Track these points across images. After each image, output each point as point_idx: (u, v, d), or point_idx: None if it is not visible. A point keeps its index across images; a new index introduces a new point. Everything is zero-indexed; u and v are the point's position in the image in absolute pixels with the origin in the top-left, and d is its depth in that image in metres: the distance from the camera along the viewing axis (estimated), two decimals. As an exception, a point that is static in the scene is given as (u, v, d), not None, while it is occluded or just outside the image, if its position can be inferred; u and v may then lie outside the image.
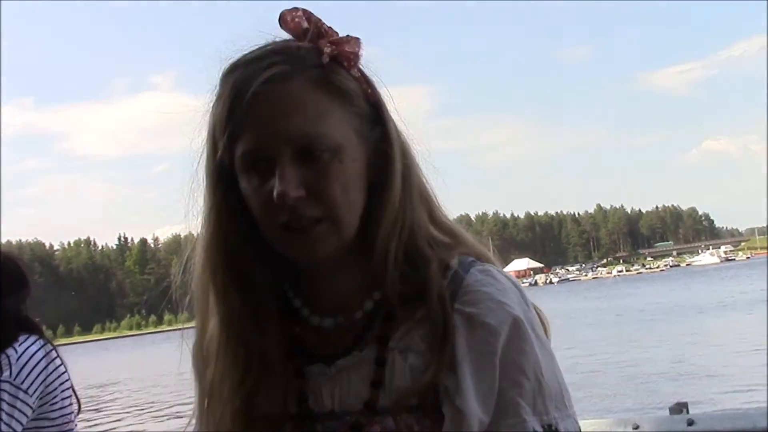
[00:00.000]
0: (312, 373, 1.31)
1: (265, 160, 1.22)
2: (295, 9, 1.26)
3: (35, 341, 3.22)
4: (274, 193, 1.18)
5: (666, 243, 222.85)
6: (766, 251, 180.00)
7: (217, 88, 1.25)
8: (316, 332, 1.33)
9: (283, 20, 1.26)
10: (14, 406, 3.06)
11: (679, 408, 3.37)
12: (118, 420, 24.02)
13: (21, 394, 3.06)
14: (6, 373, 3.05)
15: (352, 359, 1.29)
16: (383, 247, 1.26)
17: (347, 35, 1.28)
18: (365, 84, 1.29)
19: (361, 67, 1.29)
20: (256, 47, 1.25)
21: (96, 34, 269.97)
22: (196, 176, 1.30)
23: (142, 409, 25.75)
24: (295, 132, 1.20)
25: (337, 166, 1.22)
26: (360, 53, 1.28)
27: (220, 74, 1.25)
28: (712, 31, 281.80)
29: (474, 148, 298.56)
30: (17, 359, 3.10)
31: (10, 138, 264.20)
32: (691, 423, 2.98)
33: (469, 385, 1.21)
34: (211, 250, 1.29)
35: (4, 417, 3.04)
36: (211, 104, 1.26)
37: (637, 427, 3.05)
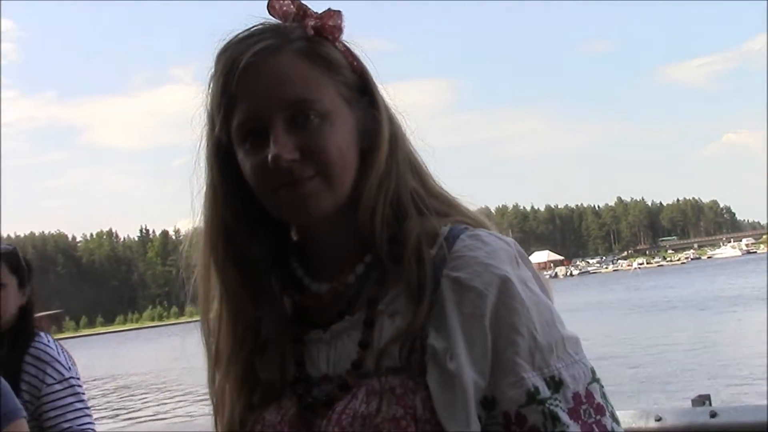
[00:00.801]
0: (310, 339, 1.36)
1: (258, 130, 1.26)
2: None
3: (47, 335, 3.28)
4: (269, 157, 1.23)
5: (669, 238, 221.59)
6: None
7: (212, 68, 1.31)
8: (315, 299, 1.37)
9: (272, 8, 1.33)
10: (85, 401, 3.20)
11: (702, 400, 3.50)
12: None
13: (83, 388, 3.21)
14: (72, 370, 3.18)
15: (345, 323, 1.32)
16: (370, 208, 1.30)
17: (329, 8, 1.33)
18: (350, 56, 1.34)
19: (345, 41, 1.35)
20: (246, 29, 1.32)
21: (117, 28, 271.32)
22: (198, 160, 1.36)
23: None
24: (287, 99, 1.25)
25: (329, 128, 1.27)
26: (342, 26, 1.33)
27: (214, 55, 1.31)
28: (733, 25, 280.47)
29: (495, 140, 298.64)
30: (60, 353, 3.21)
31: (33, 131, 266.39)
32: (713, 415, 3.01)
33: (462, 350, 1.21)
34: (210, 227, 1.35)
35: (87, 413, 3.15)
36: (208, 85, 1.32)
37: (659, 419, 3.13)
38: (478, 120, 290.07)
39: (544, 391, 1.20)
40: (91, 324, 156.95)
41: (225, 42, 1.32)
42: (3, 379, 2.71)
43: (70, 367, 3.18)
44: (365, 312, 1.31)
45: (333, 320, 1.34)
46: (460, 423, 1.19)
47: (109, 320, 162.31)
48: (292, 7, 1.33)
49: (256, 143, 1.27)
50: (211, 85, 1.31)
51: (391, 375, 1.23)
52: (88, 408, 3.22)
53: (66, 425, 3.06)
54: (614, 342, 27.38)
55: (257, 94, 1.26)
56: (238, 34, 1.32)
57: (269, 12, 1.33)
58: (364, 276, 1.34)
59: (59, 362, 3.15)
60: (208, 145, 1.34)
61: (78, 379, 3.20)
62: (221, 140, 1.31)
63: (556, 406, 1.20)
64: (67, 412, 3.08)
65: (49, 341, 3.21)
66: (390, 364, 1.24)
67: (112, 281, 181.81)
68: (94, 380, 31.54)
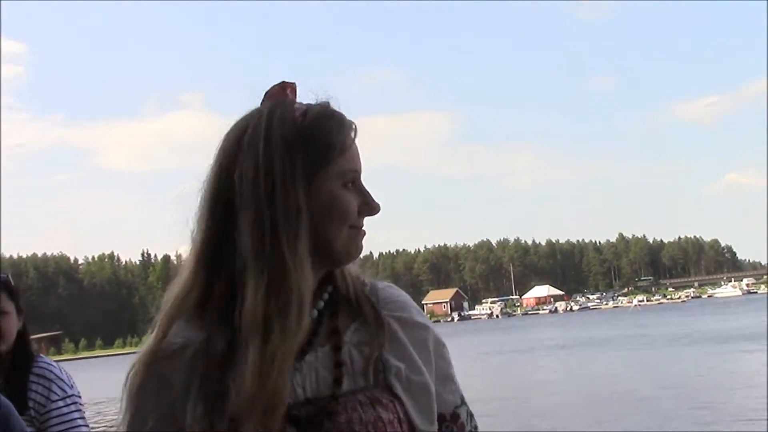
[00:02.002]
0: None
1: (353, 181, 1.52)
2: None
3: (45, 357, 3.44)
4: (374, 205, 1.53)
5: (647, 278, 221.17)
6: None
7: (311, 119, 1.50)
8: None
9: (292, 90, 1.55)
10: (86, 418, 3.37)
11: None
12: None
13: (84, 406, 3.38)
14: (74, 389, 3.33)
15: (318, 354, 1.50)
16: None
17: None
18: None
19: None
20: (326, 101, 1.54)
21: (126, 52, 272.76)
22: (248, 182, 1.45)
23: None
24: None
25: None
26: None
27: (312, 110, 1.51)
28: (738, 65, 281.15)
29: (497, 173, 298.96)
30: (62, 372, 3.35)
31: (39, 153, 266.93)
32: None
33: (423, 367, 1.54)
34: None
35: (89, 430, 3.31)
36: (300, 128, 1.48)
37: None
38: (482, 152, 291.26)
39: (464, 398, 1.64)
40: (90, 346, 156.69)
41: (324, 106, 1.52)
42: (9, 402, 2.74)
43: (72, 385, 3.33)
44: (332, 340, 1.51)
45: (304, 350, 1.48)
46: (431, 424, 1.53)
47: (109, 343, 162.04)
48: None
49: (351, 187, 1.50)
50: (318, 127, 1.49)
51: (368, 391, 1.48)
52: (88, 426, 3.39)
53: None
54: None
55: (358, 154, 1.53)
56: (326, 106, 1.53)
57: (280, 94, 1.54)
58: (323, 311, 1.55)
59: (62, 380, 3.30)
60: (295, 174, 1.44)
61: (80, 396, 3.37)
62: (311, 174, 1.46)
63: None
64: (72, 428, 3.25)
65: (50, 362, 3.37)
66: (363, 384, 1.49)
67: (113, 304, 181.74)
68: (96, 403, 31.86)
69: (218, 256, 1.46)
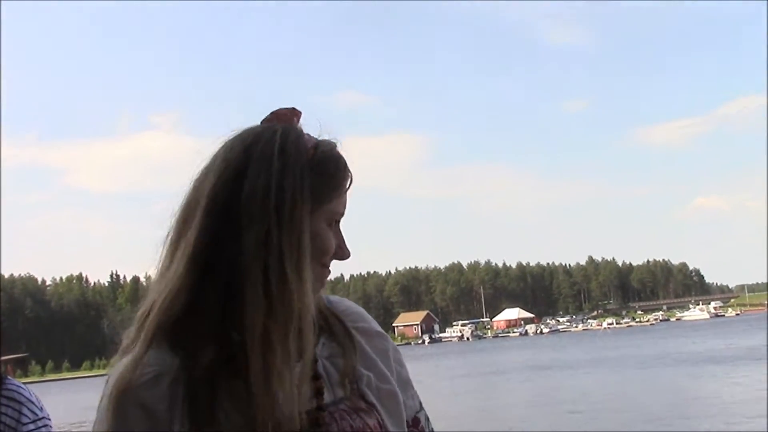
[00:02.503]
0: None
1: (336, 221, 1.55)
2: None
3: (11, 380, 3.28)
4: (346, 249, 1.57)
5: (607, 302, 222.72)
6: (755, 309, 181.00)
7: (322, 155, 1.53)
8: None
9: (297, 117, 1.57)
10: None
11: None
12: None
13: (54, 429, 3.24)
14: (44, 411, 3.14)
15: (296, 369, 1.48)
16: None
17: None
18: None
19: None
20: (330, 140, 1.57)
21: (99, 72, 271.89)
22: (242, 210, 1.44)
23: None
24: None
25: None
26: None
27: (328, 150, 1.54)
28: (709, 88, 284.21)
29: (467, 195, 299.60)
30: (31, 395, 3.19)
31: (10, 171, 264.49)
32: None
33: (389, 375, 1.61)
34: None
35: None
36: (304, 161, 1.49)
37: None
38: (453, 174, 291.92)
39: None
40: (57, 369, 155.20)
41: (330, 144, 1.55)
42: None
43: (42, 408, 3.16)
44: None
45: None
46: (402, 429, 1.59)
47: (76, 365, 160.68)
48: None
49: (332, 228, 1.54)
50: (327, 164, 1.52)
51: (348, 400, 1.54)
52: None
53: None
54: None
55: (346, 200, 1.57)
56: (332, 145, 1.56)
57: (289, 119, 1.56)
58: None
59: (33, 403, 3.13)
60: (304, 200, 1.46)
61: (50, 419, 3.21)
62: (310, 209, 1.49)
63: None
64: None
65: (19, 384, 3.19)
66: (341, 395, 1.54)
67: (81, 326, 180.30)
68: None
69: (213, 263, 1.43)
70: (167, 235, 1.50)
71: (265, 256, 1.41)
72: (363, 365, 1.59)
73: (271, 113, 1.56)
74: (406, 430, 1.61)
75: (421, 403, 1.70)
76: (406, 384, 1.66)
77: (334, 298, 1.67)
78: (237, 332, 1.41)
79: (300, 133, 1.52)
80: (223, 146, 1.50)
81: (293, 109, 1.56)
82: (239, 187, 1.44)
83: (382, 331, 1.68)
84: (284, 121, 1.54)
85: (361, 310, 1.68)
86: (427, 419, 1.71)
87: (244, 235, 1.41)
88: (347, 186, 1.55)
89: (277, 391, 1.39)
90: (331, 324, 1.61)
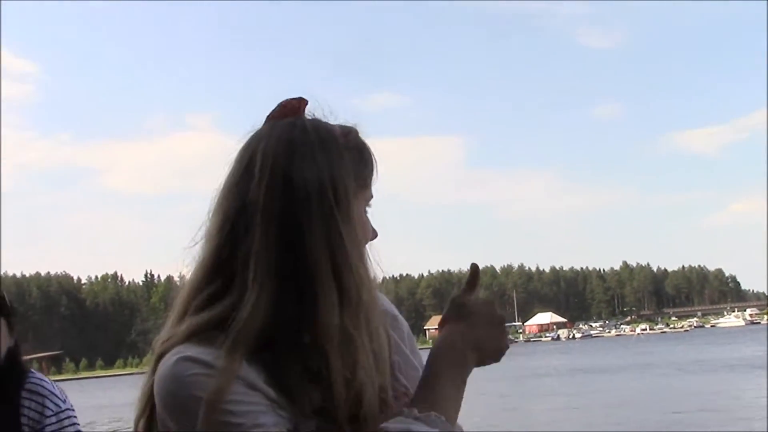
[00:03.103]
0: None
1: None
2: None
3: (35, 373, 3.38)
4: (375, 233, 1.56)
5: (641, 307, 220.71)
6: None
7: (356, 141, 1.53)
8: None
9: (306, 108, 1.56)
10: None
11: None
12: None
13: (78, 419, 3.32)
14: (67, 403, 3.27)
15: None
16: None
17: None
18: None
19: None
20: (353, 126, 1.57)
21: (135, 72, 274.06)
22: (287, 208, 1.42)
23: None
24: None
25: None
26: None
27: (356, 135, 1.55)
28: (743, 95, 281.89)
29: (503, 200, 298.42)
30: (54, 388, 3.30)
31: (45, 171, 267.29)
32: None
33: (415, 362, 1.61)
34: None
35: None
36: (343, 152, 1.49)
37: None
38: (486, 178, 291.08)
39: None
40: (91, 367, 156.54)
41: (356, 131, 1.56)
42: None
43: (65, 400, 3.28)
44: None
45: None
46: None
47: (109, 363, 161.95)
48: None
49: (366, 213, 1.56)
50: (363, 150, 1.54)
51: (389, 386, 1.54)
52: None
53: None
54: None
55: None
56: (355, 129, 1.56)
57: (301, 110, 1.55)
58: None
59: (56, 395, 3.25)
60: (353, 189, 1.47)
61: (73, 410, 3.32)
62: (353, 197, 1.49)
63: None
64: None
65: (42, 377, 3.31)
66: (381, 380, 1.50)
67: (115, 325, 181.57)
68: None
69: (285, 271, 1.41)
70: (213, 243, 1.47)
71: (332, 253, 1.40)
72: (393, 350, 1.58)
73: (280, 105, 1.54)
74: None
75: None
76: (416, 371, 1.63)
77: None
78: (309, 334, 1.40)
79: (326, 123, 1.52)
80: (254, 147, 1.48)
81: (301, 98, 1.54)
82: (291, 188, 1.42)
83: (399, 314, 1.68)
84: (294, 111, 1.52)
85: (380, 293, 1.60)
86: None
87: (307, 237, 1.40)
88: (375, 168, 1.55)
89: (360, 383, 1.39)
90: None
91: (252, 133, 1.52)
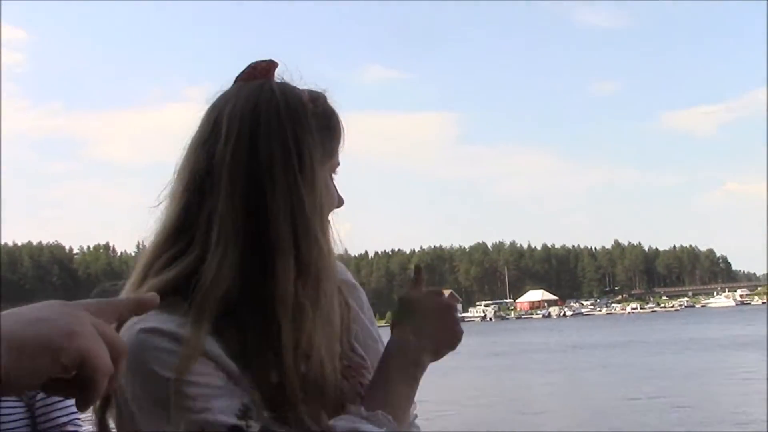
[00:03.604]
0: None
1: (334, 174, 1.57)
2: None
3: None
4: (341, 200, 1.55)
5: (632, 286, 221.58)
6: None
7: (324, 107, 1.51)
8: None
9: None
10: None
11: None
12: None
13: None
14: None
15: None
16: None
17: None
18: None
19: None
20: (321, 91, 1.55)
21: (129, 42, 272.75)
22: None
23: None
24: None
25: None
26: None
27: (324, 101, 1.52)
28: (739, 75, 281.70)
29: (495, 176, 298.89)
30: None
31: (37, 141, 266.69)
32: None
33: (374, 333, 1.62)
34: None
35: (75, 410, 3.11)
36: (314, 116, 1.48)
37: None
38: (480, 155, 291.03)
39: None
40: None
41: (325, 97, 1.53)
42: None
43: None
44: None
45: None
46: None
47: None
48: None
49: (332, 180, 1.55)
50: (331, 117, 1.52)
51: (346, 354, 1.55)
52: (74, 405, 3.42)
53: (63, 419, 3.13)
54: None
55: None
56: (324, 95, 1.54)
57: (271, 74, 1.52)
58: None
59: None
60: (319, 158, 1.45)
61: None
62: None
63: None
64: (59, 408, 3.12)
65: None
66: (340, 349, 1.52)
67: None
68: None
69: (248, 234, 1.39)
70: (176, 203, 1.45)
71: (293, 220, 1.39)
72: (351, 318, 1.58)
73: (250, 66, 1.52)
74: None
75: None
76: (374, 334, 1.66)
77: None
78: (267, 302, 1.38)
79: (294, 88, 1.50)
80: (221, 109, 1.47)
81: (271, 61, 1.52)
82: (256, 152, 1.41)
83: (357, 283, 1.67)
84: (264, 74, 1.50)
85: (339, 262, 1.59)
86: None
87: (270, 202, 1.39)
88: (343, 133, 1.54)
89: (313, 353, 1.38)
90: None
91: (220, 94, 1.50)
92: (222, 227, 1.38)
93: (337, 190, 1.55)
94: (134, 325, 1.32)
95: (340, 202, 1.54)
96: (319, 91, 1.53)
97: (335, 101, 1.55)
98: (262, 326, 1.38)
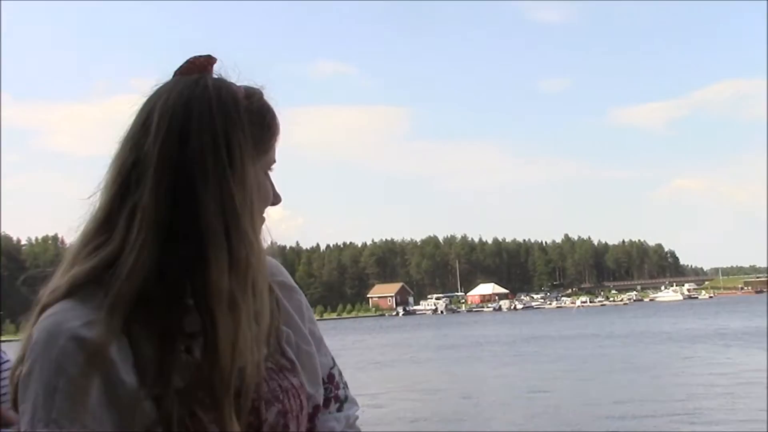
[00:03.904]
0: None
1: (270, 171, 1.56)
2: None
3: None
4: (279, 197, 1.56)
5: (582, 279, 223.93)
6: (728, 292, 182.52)
7: (259, 104, 1.51)
8: None
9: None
10: None
11: None
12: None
13: None
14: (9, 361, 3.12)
15: None
16: None
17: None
18: None
19: None
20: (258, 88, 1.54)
21: (79, 34, 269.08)
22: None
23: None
24: None
25: None
26: None
27: (260, 98, 1.52)
28: (687, 73, 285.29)
29: (446, 171, 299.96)
30: None
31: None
32: None
33: (307, 335, 1.63)
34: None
35: None
36: (251, 114, 1.48)
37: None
38: (432, 149, 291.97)
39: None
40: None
41: (261, 93, 1.53)
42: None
43: (8, 360, 3.19)
44: None
45: None
46: (318, 387, 1.63)
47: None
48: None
49: (268, 176, 1.55)
50: (265, 113, 1.51)
51: (272, 358, 1.53)
52: None
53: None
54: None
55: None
56: (260, 91, 1.53)
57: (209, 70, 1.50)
58: None
59: None
60: (249, 153, 1.46)
61: (9, 360, 3.18)
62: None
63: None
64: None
65: None
66: (265, 352, 1.51)
67: (35, 282, 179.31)
68: None
69: (175, 228, 1.38)
70: (105, 194, 1.45)
71: (225, 216, 1.39)
72: (283, 321, 1.58)
73: (188, 61, 1.51)
74: (321, 388, 1.63)
75: (333, 359, 1.71)
76: (320, 342, 1.67)
77: None
78: (194, 297, 1.37)
79: (229, 84, 1.49)
80: (153, 102, 1.46)
81: (209, 56, 1.51)
82: (186, 145, 1.40)
83: (297, 285, 1.67)
84: (201, 69, 1.49)
85: (277, 263, 1.64)
86: (340, 374, 1.73)
87: (200, 197, 1.38)
88: (280, 133, 1.55)
89: (242, 353, 1.38)
90: None
91: (157, 87, 1.49)
92: (144, 219, 1.37)
93: (274, 188, 1.55)
94: (50, 316, 1.33)
95: (276, 200, 1.55)
96: (256, 87, 1.53)
97: (272, 98, 1.54)
98: (183, 322, 1.37)
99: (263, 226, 1.51)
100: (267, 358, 1.49)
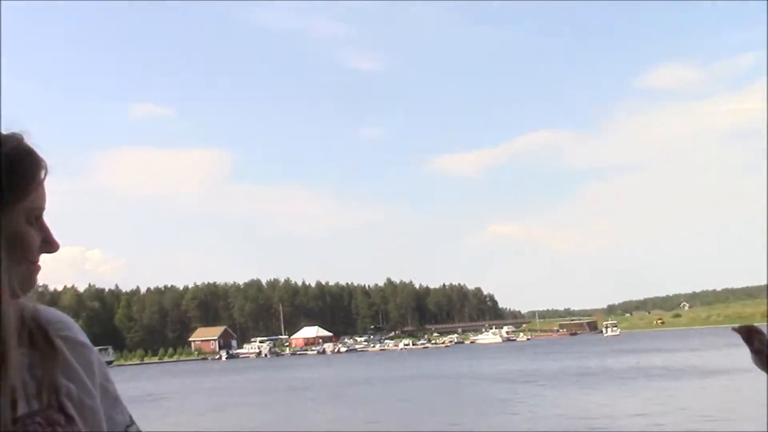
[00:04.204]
0: None
1: (37, 217, 1.52)
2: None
3: None
4: (54, 243, 1.54)
5: (405, 323, 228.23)
6: (545, 334, 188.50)
7: (9, 152, 1.47)
8: None
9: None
10: None
11: None
12: None
13: None
14: None
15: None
16: None
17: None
18: None
19: None
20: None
21: None
22: None
23: None
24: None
25: None
26: None
27: (18, 143, 1.49)
28: (507, 120, 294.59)
29: (270, 214, 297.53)
30: None
31: None
32: None
33: (93, 391, 1.58)
34: None
35: None
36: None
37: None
38: (255, 192, 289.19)
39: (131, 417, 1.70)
40: None
41: (15, 136, 1.50)
42: None
43: None
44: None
45: None
46: None
47: None
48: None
49: (34, 224, 1.51)
50: (15, 162, 1.47)
51: (44, 413, 1.48)
52: None
53: None
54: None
55: (45, 192, 1.53)
56: (20, 137, 1.51)
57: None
58: None
59: None
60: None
61: None
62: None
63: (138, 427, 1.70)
64: None
65: None
66: (38, 406, 1.48)
67: None
68: None
69: None
70: None
71: None
72: (65, 376, 1.55)
73: None
74: None
75: (131, 417, 1.69)
76: (115, 400, 1.65)
77: (42, 307, 1.60)
78: None
79: None
80: None
81: None
82: None
83: (88, 342, 1.65)
84: None
85: (68, 319, 1.63)
86: None
87: None
88: (41, 179, 1.51)
89: None
90: (33, 332, 1.54)
91: None
92: None
93: (48, 234, 1.54)
94: None
95: (50, 248, 1.54)
96: (15, 132, 1.50)
97: (34, 143, 1.52)
98: None
99: (35, 275, 1.51)
100: (38, 413, 1.46)
